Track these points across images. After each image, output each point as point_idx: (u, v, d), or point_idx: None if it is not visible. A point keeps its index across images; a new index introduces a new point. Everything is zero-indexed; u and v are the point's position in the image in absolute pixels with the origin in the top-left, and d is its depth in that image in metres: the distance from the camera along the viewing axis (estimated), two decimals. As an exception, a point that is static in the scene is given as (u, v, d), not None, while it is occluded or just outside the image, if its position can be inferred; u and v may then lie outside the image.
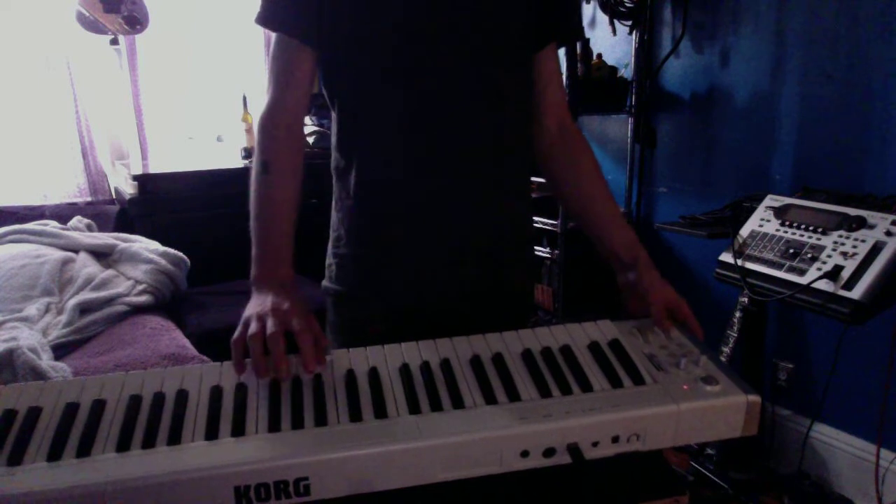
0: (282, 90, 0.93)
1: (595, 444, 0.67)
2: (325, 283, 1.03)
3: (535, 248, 2.28)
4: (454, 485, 0.65)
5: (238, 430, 0.65)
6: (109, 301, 1.89)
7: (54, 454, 0.62)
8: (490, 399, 0.69)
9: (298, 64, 0.92)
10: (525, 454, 0.66)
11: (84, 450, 0.62)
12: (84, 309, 1.83)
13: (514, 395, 0.70)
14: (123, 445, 0.63)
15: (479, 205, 0.96)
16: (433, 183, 0.93)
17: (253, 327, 0.73)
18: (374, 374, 0.73)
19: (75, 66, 2.66)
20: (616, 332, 0.82)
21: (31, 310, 1.75)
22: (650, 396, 0.70)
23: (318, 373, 0.73)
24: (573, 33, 1.07)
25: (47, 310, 1.81)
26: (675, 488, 0.71)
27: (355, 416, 0.67)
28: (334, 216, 1.02)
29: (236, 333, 0.74)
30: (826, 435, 1.98)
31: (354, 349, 0.77)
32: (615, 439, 0.68)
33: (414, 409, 0.68)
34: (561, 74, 1.07)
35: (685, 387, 0.71)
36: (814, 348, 2.01)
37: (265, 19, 0.92)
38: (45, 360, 1.46)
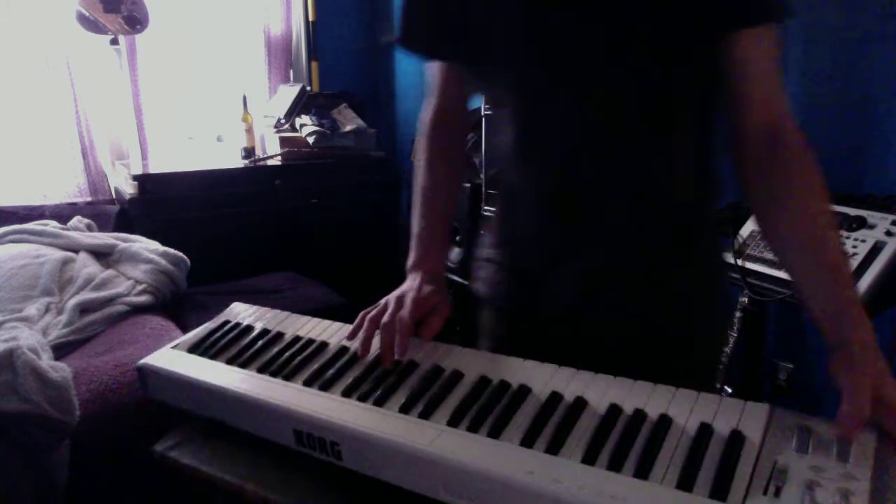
0: (433, 96, 0.99)
1: None
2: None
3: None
4: None
5: (325, 385, 0.74)
6: (109, 301, 1.89)
7: (231, 360, 0.82)
8: (528, 441, 0.61)
9: (440, 73, 0.96)
10: None
11: (243, 364, 0.81)
12: (84, 309, 1.83)
13: (555, 447, 0.60)
14: (263, 369, 0.79)
15: (607, 247, 0.83)
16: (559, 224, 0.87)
17: (375, 311, 0.82)
18: (454, 375, 0.74)
19: (75, 66, 2.66)
20: (756, 425, 0.60)
21: (31, 310, 1.75)
22: None
23: (419, 361, 0.77)
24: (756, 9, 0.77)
25: (47, 310, 1.81)
26: None
27: (405, 407, 0.69)
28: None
29: (370, 308, 0.83)
30: (826, 435, 1.98)
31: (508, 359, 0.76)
32: None
33: (453, 422, 0.66)
34: (765, 62, 0.80)
35: None
36: (814, 348, 2.01)
37: (401, 41, 0.95)
38: (45, 360, 1.45)
